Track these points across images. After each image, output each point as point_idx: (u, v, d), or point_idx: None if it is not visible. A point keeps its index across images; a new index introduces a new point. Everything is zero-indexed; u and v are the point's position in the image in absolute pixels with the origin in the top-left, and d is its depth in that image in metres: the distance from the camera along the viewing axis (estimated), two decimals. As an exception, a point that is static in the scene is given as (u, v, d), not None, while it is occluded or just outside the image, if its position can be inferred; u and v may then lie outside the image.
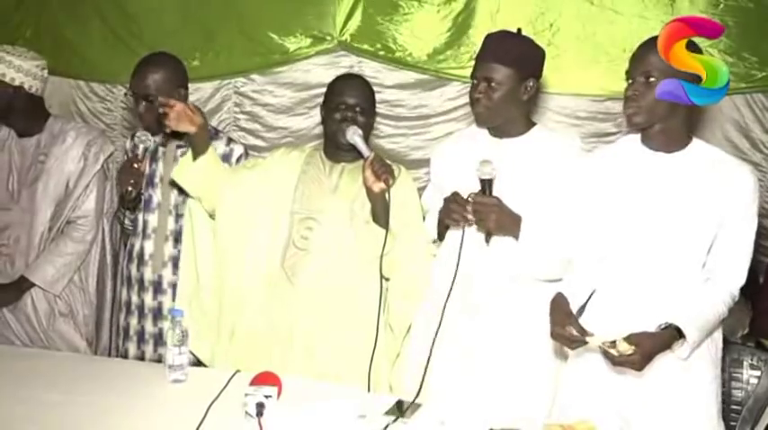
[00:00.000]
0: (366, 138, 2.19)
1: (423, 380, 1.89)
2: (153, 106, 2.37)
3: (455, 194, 2.01)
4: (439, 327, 1.96)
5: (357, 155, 2.17)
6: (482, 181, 1.97)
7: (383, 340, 2.10)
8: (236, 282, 2.25)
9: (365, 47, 3.43)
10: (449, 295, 1.97)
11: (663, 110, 1.81)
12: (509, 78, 2.00)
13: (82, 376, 2.00)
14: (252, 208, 2.24)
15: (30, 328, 2.64)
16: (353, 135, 2.13)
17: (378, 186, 2.05)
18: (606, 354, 1.74)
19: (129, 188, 2.31)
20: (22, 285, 2.61)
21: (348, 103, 2.19)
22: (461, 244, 1.99)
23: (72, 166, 2.63)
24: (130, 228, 2.56)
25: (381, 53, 3.43)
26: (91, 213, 2.63)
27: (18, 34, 3.79)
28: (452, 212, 2.01)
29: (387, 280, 2.14)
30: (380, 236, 2.07)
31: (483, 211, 1.96)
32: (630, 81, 1.85)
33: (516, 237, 2.00)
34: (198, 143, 2.20)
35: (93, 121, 3.81)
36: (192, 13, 3.62)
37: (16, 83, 2.56)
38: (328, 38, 3.46)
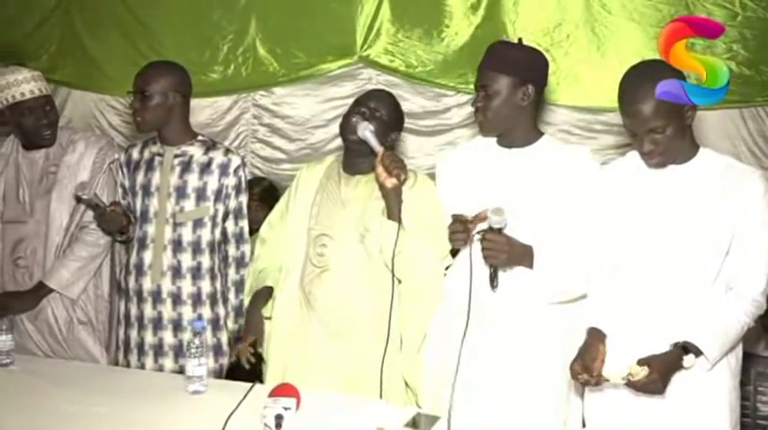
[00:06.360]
0: (381, 145, 2.07)
1: (451, 398, 1.86)
2: (147, 102, 2.34)
3: (455, 217, 2.01)
4: (462, 346, 1.94)
5: (372, 160, 2.08)
6: (492, 229, 1.93)
7: (395, 347, 2.05)
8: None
9: (386, 62, 3.47)
10: (468, 315, 1.95)
11: (677, 145, 1.81)
12: (505, 85, 2.01)
13: (103, 387, 2.02)
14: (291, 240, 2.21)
15: (51, 337, 2.66)
16: (364, 130, 2.06)
17: (390, 182, 2.01)
18: (629, 385, 1.75)
19: (125, 222, 2.34)
20: (39, 291, 2.62)
21: (367, 105, 2.13)
22: (471, 261, 1.97)
23: (85, 175, 2.63)
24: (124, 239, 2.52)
25: (402, 68, 3.46)
26: None
27: (43, 50, 3.89)
28: (456, 235, 2.00)
29: (399, 282, 2.07)
30: (392, 241, 2.01)
31: (493, 249, 1.93)
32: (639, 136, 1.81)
33: (529, 266, 1.98)
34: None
35: (114, 134, 3.87)
36: (213, 27, 3.67)
37: (44, 92, 2.61)
38: (350, 53, 3.49)
